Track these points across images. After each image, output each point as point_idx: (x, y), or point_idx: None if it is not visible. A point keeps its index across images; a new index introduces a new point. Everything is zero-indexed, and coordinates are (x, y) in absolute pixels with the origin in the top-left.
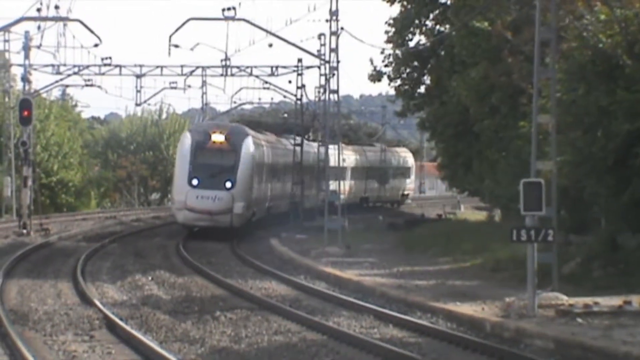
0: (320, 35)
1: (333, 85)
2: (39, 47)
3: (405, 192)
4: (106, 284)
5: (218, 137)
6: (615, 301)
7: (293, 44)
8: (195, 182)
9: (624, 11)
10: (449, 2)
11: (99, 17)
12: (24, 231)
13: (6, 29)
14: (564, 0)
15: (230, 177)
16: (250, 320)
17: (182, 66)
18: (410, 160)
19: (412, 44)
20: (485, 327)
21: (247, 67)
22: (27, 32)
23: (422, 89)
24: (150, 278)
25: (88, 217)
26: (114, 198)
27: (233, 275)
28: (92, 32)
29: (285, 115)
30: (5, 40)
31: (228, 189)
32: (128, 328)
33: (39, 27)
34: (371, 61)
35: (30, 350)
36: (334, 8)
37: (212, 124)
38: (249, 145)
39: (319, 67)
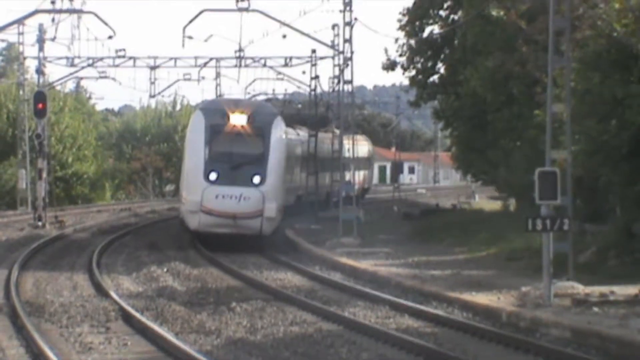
0: (334, 26)
1: (347, 76)
2: (53, 39)
3: (366, 186)
4: (121, 275)
5: (239, 118)
6: (631, 290)
7: (307, 35)
8: (213, 176)
9: (639, 0)
10: None
11: (113, 9)
12: (39, 223)
13: (20, 21)
14: None
15: (259, 169)
16: (266, 311)
17: (196, 57)
18: (369, 148)
19: (425, 33)
20: (501, 316)
21: (261, 58)
22: (41, 25)
23: (435, 78)
24: (165, 269)
25: (103, 209)
26: (128, 190)
27: (248, 266)
28: (106, 24)
29: (300, 105)
30: (20, 33)
31: (256, 185)
32: (144, 319)
33: (53, 20)
34: (385, 50)
35: (47, 342)
36: None
37: (229, 101)
38: (279, 128)
39: (333, 58)
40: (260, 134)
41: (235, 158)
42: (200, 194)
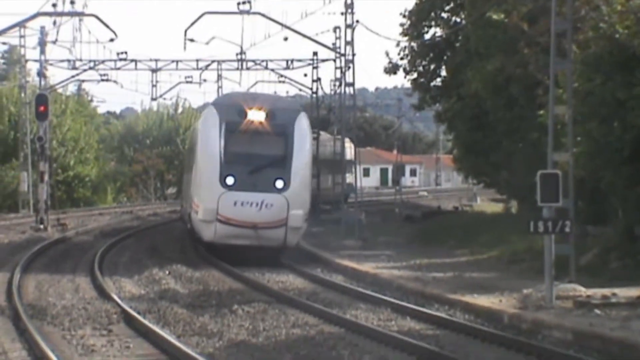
0: (335, 28)
1: (349, 78)
2: (54, 42)
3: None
4: (123, 278)
5: (258, 114)
6: (633, 292)
7: (308, 37)
8: (230, 181)
9: None
10: None
11: (115, 12)
12: (41, 226)
13: (22, 24)
14: None
15: (282, 173)
16: (268, 313)
17: (197, 60)
18: (351, 150)
19: (427, 36)
20: (502, 318)
21: (263, 60)
22: (42, 28)
23: (438, 81)
24: (167, 272)
25: (105, 212)
26: (130, 193)
27: (250, 268)
28: (107, 26)
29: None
30: (21, 36)
31: (280, 191)
32: (146, 322)
33: (54, 23)
34: (387, 54)
35: (49, 344)
36: (349, 1)
37: (246, 95)
38: (303, 125)
39: (335, 60)
40: (282, 132)
41: (254, 160)
42: (216, 201)
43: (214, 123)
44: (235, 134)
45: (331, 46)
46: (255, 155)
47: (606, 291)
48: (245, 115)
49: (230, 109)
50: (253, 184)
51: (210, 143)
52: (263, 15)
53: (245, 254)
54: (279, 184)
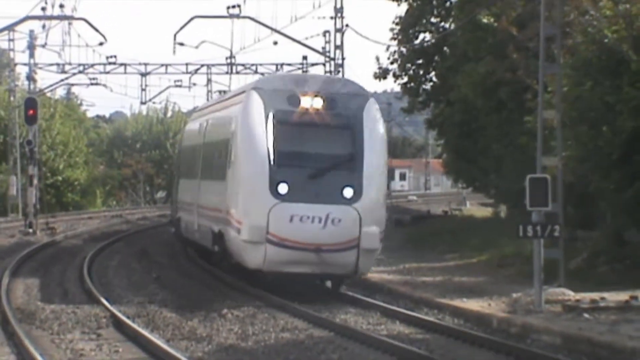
0: (325, 33)
1: None
2: (43, 46)
3: None
4: (112, 282)
5: (315, 102)
6: (621, 296)
7: (298, 42)
8: (283, 189)
9: (629, 6)
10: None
11: (104, 16)
12: (30, 230)
13: (11, 28)
14: None
15: (351, 178)
16: (257, 317)
17: (187, 64)
18: None
19: (417, 41)
20: (492, 322)
21: (252, 64)
22: (32, 31)
23: (428, 86)
24: (156, 276)
25: (94, 215)
26: (119, 197)
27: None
28: (97, 30)
29: None
30: (10, 40)
31: (349, 202)
32: (135, 326)
33: (43, 26)
34: (377, 59)
35: (38, 349)
36: (338, 5)
37: (297, 77)
38: (374, 115)
39: (324, 64)
40: (348, 125)
41: (314, 161)
42: (266, 216)
43: (259, 113)
44: (286, 127)
45: (321, 50)
46: (314, 155)
47: (595, 295)
48: (298, 102)
49: (278, 95)
50: (314, 193)
51: (255, 139)
52: (253, 19)
53: (301, 285)
54: (348, 192)
